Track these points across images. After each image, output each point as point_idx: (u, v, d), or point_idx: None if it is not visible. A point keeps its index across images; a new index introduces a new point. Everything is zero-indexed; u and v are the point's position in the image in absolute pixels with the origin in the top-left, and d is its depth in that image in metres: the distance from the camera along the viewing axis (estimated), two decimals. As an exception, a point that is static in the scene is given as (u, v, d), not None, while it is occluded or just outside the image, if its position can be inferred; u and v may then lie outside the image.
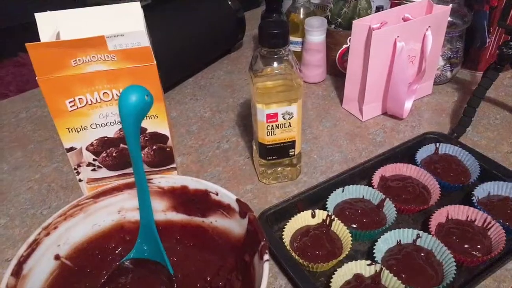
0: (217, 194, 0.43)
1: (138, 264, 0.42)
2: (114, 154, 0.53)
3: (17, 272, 0.36)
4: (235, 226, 0.42)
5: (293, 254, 0.45)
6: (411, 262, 0.44)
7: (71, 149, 0.51)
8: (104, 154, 0.53)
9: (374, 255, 0.45)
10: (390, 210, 0.51)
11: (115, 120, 0.50)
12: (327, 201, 0.52)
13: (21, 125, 0.72)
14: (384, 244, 0.47)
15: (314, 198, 0.53)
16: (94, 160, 0.53)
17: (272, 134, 0.52)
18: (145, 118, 0.51)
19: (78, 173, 0.54)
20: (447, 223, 0.49)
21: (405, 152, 0.60)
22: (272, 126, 0.52)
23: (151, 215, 0.41)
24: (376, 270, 0.43)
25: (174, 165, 0.57)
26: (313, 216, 0.50)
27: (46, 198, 0.57)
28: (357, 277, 0.44)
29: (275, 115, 0.51)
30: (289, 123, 0.52)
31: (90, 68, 0.46)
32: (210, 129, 0.69)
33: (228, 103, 0.76)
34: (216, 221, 0.44)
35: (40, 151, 0.66)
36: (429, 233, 0.47)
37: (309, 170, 0.60)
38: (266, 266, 0.35)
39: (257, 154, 0.57)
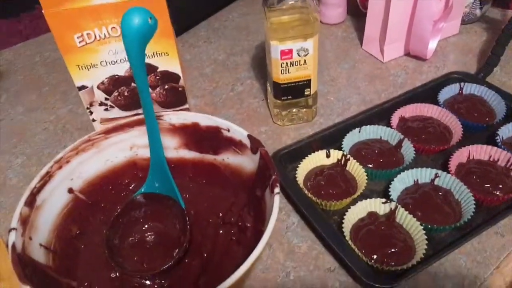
0: (228, 131, 0.42)
1: (150, 198, 0.42)
2: (126, 94, 0.52)
3: (31, 203, 0.37)
4: (247, 162, 0.42)
5: (306, 192, 0.45)
6: (428, 200, 0.43)
7: (82, 87, 0.50)
8: (116, 93, 0.52)
9: (389, 194, 0.44)
10: (408, 150, 0.49)
11: (125, 58, 0.49)
12: (343, 141, 0.50)
13: (35, 68, 0.71)
14: (400, 183, 0.46)
15: (330, 138, 0.52)
16: (106, 99, 0.52)
17: (287, 72, 0.50)
18: (155, 55, 0.49)
19: (91, 112, 0.53)
20: (468, 163, 0.47)
21: (427, 93, 0.57)
22: (287, 63, 0.49)
23: (161, 150, 0.40)
24: (391, 208, 0.42)
25: (187, 106, 0.56)
26: (328, 156, 0.49)
27: (61, 139, 0.58)
28: (371, 214, 0.43)
29: (290, 51, 0.48)
30: (305, 60, 0.49)
31: (97, 0, 0.44)
32: (224, 71, 0.68)
33: (243, 45, 0.73)
34: (228, 158, 0.44)
35: (55, 93, 0.65)
36: (448, 172, 0.45)
37: (326, 112, 0.58)
38: (277, 198, 0.34)
39: (271, 95, 0.55)
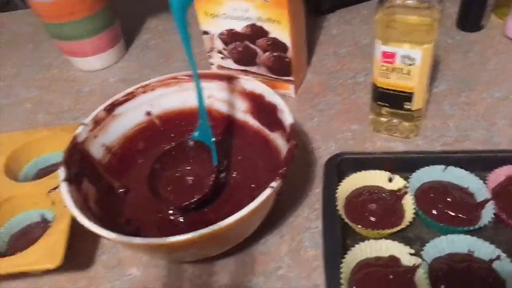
0: (282, 112, 0.42)
1: (201, 146, 0.46)
2: (239, 49, 0.56)
3: (109, 110, 0.45)
4: (284, 149, 0.41)
5: (337, 204, 0.41)
6: (465, 279, 0.35)
7: (206, 33, 0.56)
8: (231, 46, 0.56)
9: (423, 249, 0.38)
10: (488, 214, 0.40)
11: (243, 16, 0.52)
12: (416, 171, 0.44)
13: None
14: (449, 245, 0.38)
15: (410, 164, 0.45)
16: (224, 49, 0.57)
17: (386, 77, 0.45)
18: (268, 21, 0.51)
19: (210, 57, 0.59)
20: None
21: None
22: (387, 67, 0.44)
23: (203, 111, 0.44)
24: (414, 264, 0.37)
25: (291, 78, 0.56)
26: (390, 180, 0.44)
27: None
28: (392, 259, 0.38)
29: (393, 55, 0.43)
30: (409, 70, 0.43)
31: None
32: (358, 57, 0.64)
33: (395, 36, 0.67)
34: (277, 138, 0.44)
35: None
36: (515, 262, 0.35)
37: (432, 136, 0.51)
38: (267, 191, 0.34)
39: (376, 96, 0.51)
